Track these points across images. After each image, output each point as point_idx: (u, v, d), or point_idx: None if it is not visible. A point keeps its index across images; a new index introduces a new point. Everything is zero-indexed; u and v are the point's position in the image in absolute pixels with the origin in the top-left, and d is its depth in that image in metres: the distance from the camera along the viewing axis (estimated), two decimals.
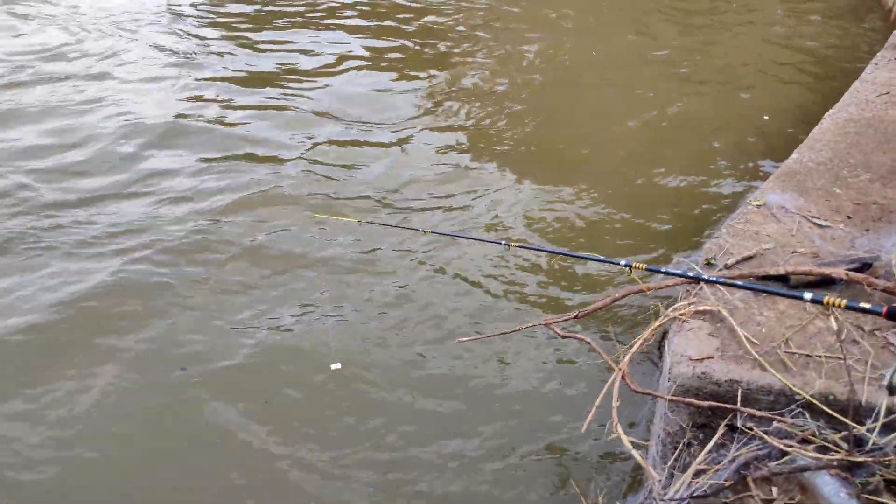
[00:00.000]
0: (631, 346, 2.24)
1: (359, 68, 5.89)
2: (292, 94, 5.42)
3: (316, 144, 4.65)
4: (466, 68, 6.02)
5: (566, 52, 6.42)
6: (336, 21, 7.05)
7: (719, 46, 7.00)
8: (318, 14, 7.22)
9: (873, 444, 1.91)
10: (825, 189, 3.05)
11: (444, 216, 3.92)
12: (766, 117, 5.23)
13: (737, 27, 7.53)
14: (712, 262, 2.52)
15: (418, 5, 7.53)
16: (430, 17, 7.21)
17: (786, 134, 4.80)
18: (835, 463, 1.88)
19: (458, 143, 4.83)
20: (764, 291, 2.08)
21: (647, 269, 2.11)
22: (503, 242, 2.58)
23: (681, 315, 2.25)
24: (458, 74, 5.89)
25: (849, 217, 2.83)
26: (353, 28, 6.83)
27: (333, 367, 2.86)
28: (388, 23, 7.06)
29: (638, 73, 6.04)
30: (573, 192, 4.11)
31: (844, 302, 1.57)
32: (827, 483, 1.86)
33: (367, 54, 6.23)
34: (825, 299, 1.62)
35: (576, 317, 2.55)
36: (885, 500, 1.86)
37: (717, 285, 2.34)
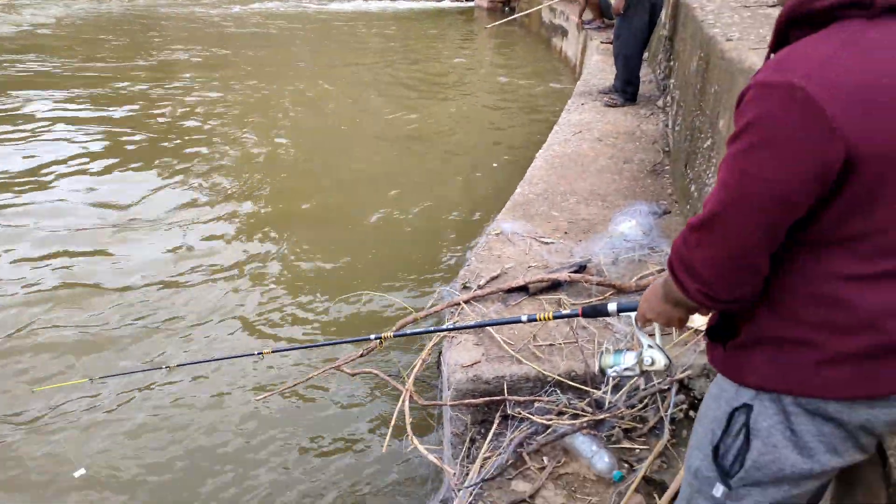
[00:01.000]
0: (413, 368, 2.55)
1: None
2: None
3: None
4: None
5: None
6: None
7: (447, 105, 7.89)
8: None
9: (609, 403, 2.41)
10: (545, 213, 3.68)
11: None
12: (494, 165, 6.03)
13: (461, 95, 8.54)
14: (468, 285, 2.95)
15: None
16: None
17: (510, 172, 5.61)
18: (584, 425, 2.33)
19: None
20: (496, 324, 2.49)
21: (394, 336, 2.41)
22: (257, 353, 2.50)
23: (450, 334, 2.61)
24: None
25: (566, 233, 3.46)
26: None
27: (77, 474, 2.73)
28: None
29: (373, 137, 6.62)
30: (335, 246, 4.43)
31: (552, 314, 2.01)
32: (582, 442, 2.30)
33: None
34: (538, 316, 2.05)
35: (361, 355, 2.80)
36: (625, 445, 2.35)
37: (475, 302, 2.76)
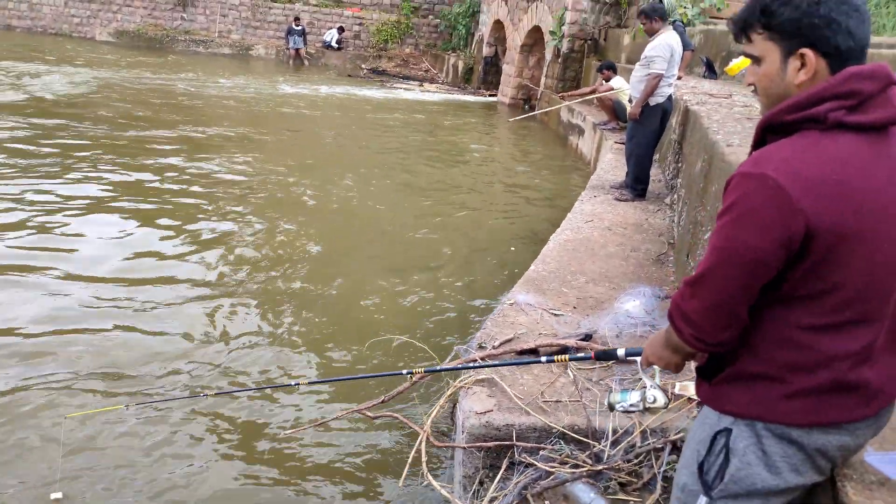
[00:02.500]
0: (430, 413, 2.80)
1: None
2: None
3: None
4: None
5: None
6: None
7: (476, 194, 8.35)
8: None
9: (607, 456, 2.64)
10: (556, 289, 4.00)
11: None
12: (512, 248, 6.40)
13: (481, 182, 9.03)
14: (483, 345, 3.23)
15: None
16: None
17: (525, 248, 5.97)
18: (584, 474, 2.56)
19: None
20: (516, 364, 2.86)
21: (425, 372, 2.74)
22: (294, 383, 2.99)
23: (465, 384, 2.88)
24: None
25: (574, 307, 3.76)
26: None
27: (54, 496, 2.80)
28: None
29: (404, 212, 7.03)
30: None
31: (567, 357, 2.35)
32: (581, 490, 2.52)
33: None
34: (556, 358, 2.42)
35: (382, 401, 3.06)
36: (620, 497, 2.57)
37: (489, 359, 3.04)
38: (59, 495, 2.81)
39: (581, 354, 2.53)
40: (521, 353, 3.13)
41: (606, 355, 1.99)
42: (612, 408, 2.03)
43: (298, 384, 2.71)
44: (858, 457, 1.60)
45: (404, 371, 2.72)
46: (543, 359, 2.58)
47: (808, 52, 1.31)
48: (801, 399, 1.34)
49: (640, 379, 2.89)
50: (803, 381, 1.34)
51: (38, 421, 3.28)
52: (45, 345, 3.94)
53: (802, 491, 1.46)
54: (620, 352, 1.91)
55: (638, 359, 1.78)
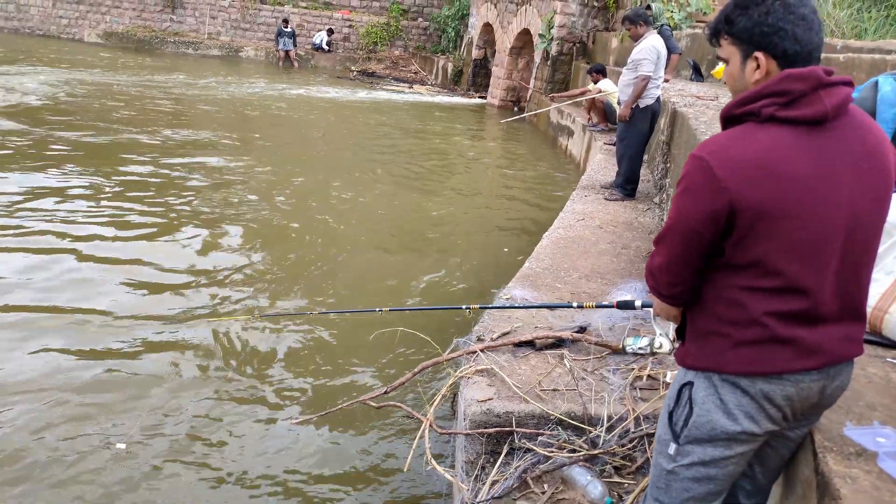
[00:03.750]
0: (433, 402, 2.92)
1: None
2: None
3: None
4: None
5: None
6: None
7: (467, 194, 8.46)
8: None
9: (603, 441, 2.77)
10: (551, 285, 4.12)
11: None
12: (505, 249, 6.52)
13: (472, 183, 9.14)
14: (482, 338, 3.34)
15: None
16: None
17: (519, 251, 6.09)
18: (581, 458, 2.68)
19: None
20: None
21: (479, 308, 3.52)
22: (378, 309, 3.55)
23: (466, 374, 2.99)
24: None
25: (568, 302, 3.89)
26: None
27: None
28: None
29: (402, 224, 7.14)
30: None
31: (594, 304, 3.05)
32: (578, 473, 2.64)
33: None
34: (584, 304, 3.18)
35: (385, 392, 3.17)
36: (615, 480, 2.69)
37: (489, 351, 3.16)
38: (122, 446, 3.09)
39: (605, 303, 3.18)
40: (519, 344, 3.25)
41: (627, 305, 2.74)
42: (623, 349, 2.63)
43: (382, 310, 3.50)
44: (838, 430, 1.74)
45: (463, 306, 3.48)
46: (574, 304, 3.36)
47: (760, 55, 1.52)
48: (743, 350, 1.54)
49: (633, 368, 3.07)
50: (742, 335, 1.53)
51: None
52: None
53: (763, 439, 1.63)
54: (637, 303, 2.58)
55: (650, 309, 2.14)
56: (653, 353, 2.13)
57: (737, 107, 1.54)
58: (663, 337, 2.07)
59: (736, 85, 1.59)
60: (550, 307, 3.31)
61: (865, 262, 1.57)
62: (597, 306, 2.89)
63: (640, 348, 2.19)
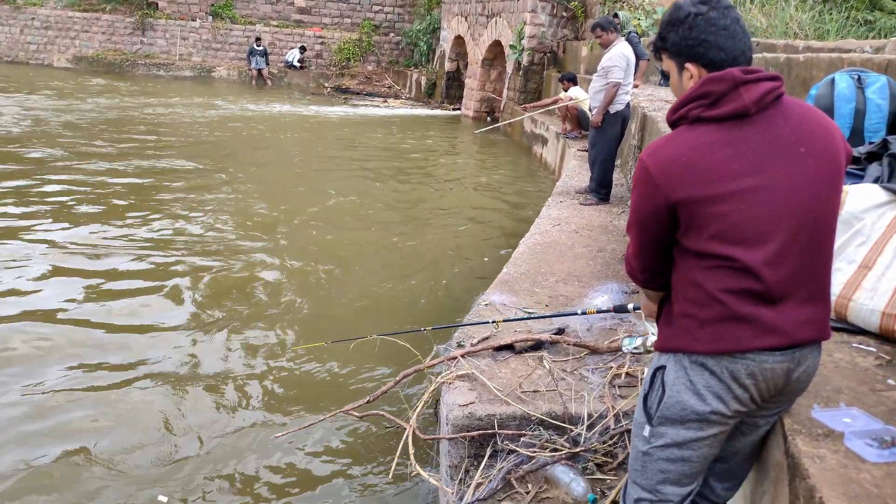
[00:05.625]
0: (415, 408, 2.94)
1: None
2: None
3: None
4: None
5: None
6: None
7: (444, 204, 8.50)
8: None
9: (584, 439, 2.80)
10: (528, 289, 4.17)
11: None
12: (486, 259, 6.57)
13: (451, 191, 9.20)
14: (462, 343, 3.38)
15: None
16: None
17: (498, 257, 6.14)
18: (563, 457, 2.72)
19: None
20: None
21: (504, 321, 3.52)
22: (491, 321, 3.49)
23: (448, 380, 3.02)
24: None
25: (546, 305, 3.93)
26: None
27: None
28: None
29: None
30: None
31: (595, 310, 3.30)
32: (561, 472, 2.68)
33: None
34: (586, 310, 3.40)
35: (368, 401, 3.19)
36: (597, 476, 2.73)
37: (469, 356, 3.19)
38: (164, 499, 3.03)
39: (604, 308, 3.36)
40: (498, 349, 3.29)
41: (621, 308, 3.02)
42: (621, 348, 2.87)
43: (425, 330, 3.54)
44: (807, 414, 1.79)
45: (490, 321, 3.47)
46: (579, 310, 3.50)
47: (690, 65, 1.67)
48: (706, 329, 1.61)
49: (611, 366, 3.12)
50: (705, 314, 1.61)
51: None
52: None
53: (734, 423, 1.70)
54: (630, 305, 2.84)
55: (641, 311, 2.36)
56: (648, 352, 2.34)
57: (672, 113, 1.68)
58: (655, 336, 2.25)
59: (677, 93, 1.73)
60: (561, 315, 3.56)
61: (823, 243, 1.63)
62: (597, 311, 3.22)
63: (635, 348, 2.46)
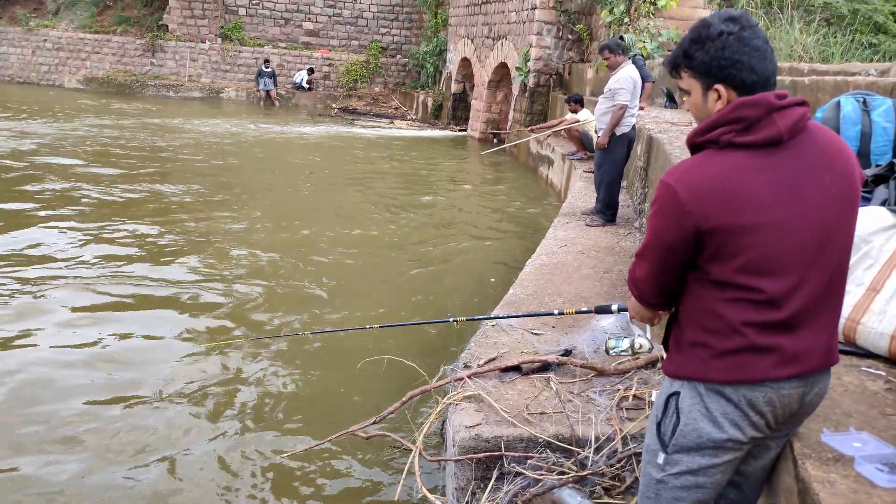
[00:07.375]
0: (422, 430, 2.93)
1: None
2: None
3: None
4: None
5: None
6: None
7: (451, 225, 8.53)
8: None
9: (591, 462, 2.79)
10: (535, 310, 4.16)
11: None
12: (492, 280, 6.57)
13: (458, 212, 9.22)
14: (468, 364, 3.37)
15: None
16: None
17: (504, 278, 6.14)
18: (570, 480, 2.70)
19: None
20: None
21: (466, 320, 3.68)
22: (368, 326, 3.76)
23: (454, 401, 3.01)
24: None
25: (553, 326, 3.93)
26: None
27: None
28: None
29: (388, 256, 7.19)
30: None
31: (574, 310, 3.14)
32: (568, 495, 2.66)
33: None
34: (565, 311, 3.43)
35: (374, 422, 3.18)
36: (605, 500, 2.71)
37: (476, 377, 3.19)
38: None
39: (584, 309, 3.32)
40: (505, 370, 3.28)
41: (603, 309, 2.97)
42: (607, 352, 2.75)
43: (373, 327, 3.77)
44: (816, 438, 1.78)
45: (450, 318, 3.64)
46: (556, 311, 3.59)
47: (720, 87, 1.60)
48: (724, 359, 1.59)
49: (619, 389, 3.09)
50: (723, 344, 1.59)
51: None
52: None
53: (748, 448, 1.68)
54: (614, 307, 2.78)
55: (627, 312, 2.30)
56: (634, 354, 2.33)
57: (698, 136, 1.63)
58: (642, 339, 2.26)
59: (699, 114, 1.67)
60: (535, 315, 3.73)
61: (839, 271, 1.63)
62: (576, 312, 3.16)
63: (622, 350, 2.43)
